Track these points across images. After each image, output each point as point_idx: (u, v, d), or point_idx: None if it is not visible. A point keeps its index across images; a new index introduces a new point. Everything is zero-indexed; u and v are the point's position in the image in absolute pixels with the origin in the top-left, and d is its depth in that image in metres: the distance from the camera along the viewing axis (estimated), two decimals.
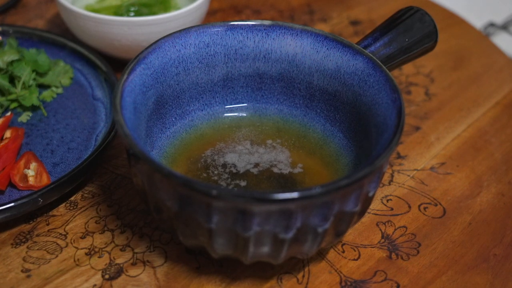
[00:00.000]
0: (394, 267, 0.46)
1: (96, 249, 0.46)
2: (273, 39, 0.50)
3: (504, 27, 0.92)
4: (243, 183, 0.46)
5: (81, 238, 0.47)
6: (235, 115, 0.53)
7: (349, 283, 0.45)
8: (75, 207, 0.50)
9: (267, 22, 0.50)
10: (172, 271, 0.45)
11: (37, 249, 0.46)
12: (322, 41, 0.49)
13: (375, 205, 0.51)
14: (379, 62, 0.47)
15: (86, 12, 0.60)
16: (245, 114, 0.53)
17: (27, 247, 0.46)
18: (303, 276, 0.45)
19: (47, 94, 0.59)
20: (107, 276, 0.44)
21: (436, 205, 0.52)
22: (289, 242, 0.40)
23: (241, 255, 0.41)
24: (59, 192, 0.48)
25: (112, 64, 0.61)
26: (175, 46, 0.48)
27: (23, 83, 0.58)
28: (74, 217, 0.49)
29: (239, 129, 0.51)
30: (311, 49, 0.50)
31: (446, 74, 0.69)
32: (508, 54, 0.73)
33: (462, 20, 0.79)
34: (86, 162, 0.50)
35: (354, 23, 0.77)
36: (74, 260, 0.45)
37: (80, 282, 0.44)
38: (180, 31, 0.49)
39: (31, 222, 0.48)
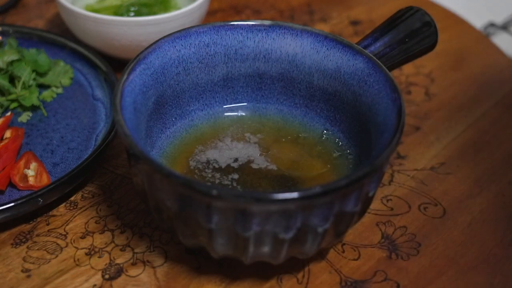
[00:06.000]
0: (394, 267, 0.46)
1: (96, 249, 0.46)
2: (273, 39, 0.50)
3: (504, 27, 0.92)
4: (241, 180, 0.46)
5: (81, 238, 0.47)
6: (235, 115, 0.53)
7: (349, 283, 0.45)
8: (75, 207, 0.50)
9: (267, 22, 0.50)
10: (172, 271, 0.45)
11: (37, 249, 0.46)
12: (322, 41, 0.49)
13: (375, 205, 0.51)
14: (379, 62, 0.47)
15: (86, 12, 0.60)
16: (245, 114, 0.53)
17: (27, 247, 0.46)
18: (303, 276, 0.45)
19: (47, 94, 0.59)
20: (107, 276, 0.44)
21: (436, 205, 0.52)
22: (289, 242, 0.40)
23: (241, 255, 0.41)
24: (59, 192, 0.48)
25: (112, 64, 0.61)
26: (175, 46, 0.48)
27: (23, 83, 0.58)
28: (74, 217, 0.49)
29: (239, 129, 0.51)
30: (311, 49, 0.50)
31: (446, 74, 0.69)
32: (508, 54, 0.73)
33: (462, 20, 0.79)
34: (86, 162, 0.50)
35: (354, 23, 0.77)
36: (74, 260, 0.45)
37: (80, 282, 0.44)
38: (180, 31, 0.49)
39: (31, 222, 0.48)
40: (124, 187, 0.52)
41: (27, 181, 0.49)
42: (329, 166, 0.48)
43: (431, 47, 0.52)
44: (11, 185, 0.50)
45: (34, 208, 0.47)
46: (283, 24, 0.50)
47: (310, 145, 0.50)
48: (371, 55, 0.47)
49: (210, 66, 0.50)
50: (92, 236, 0.47)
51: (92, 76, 0.61)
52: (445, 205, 0.52)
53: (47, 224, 0.48)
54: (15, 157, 0.52)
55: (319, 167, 0.48)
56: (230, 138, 0.50)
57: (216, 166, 0.47)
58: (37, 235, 0.47)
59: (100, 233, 0.48)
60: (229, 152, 0.49)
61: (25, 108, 0.58)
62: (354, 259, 0.47)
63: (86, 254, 0.46)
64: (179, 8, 0.67)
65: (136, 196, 0.51)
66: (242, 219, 0.38)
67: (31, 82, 0.58)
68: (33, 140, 0.55)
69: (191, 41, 0.49)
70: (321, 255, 0.47)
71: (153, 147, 0.48)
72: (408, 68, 0.69)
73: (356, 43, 0.50)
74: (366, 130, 0.46)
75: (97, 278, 0.44)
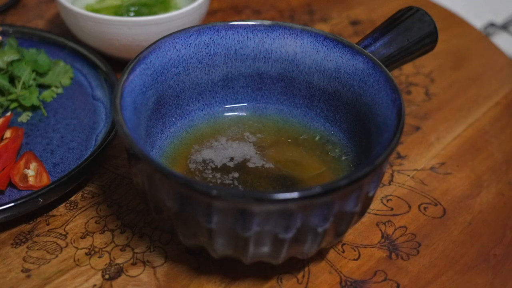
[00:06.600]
0: (394, 267, 0.46)
1: (96, 249, 0.46)
2: (273, 39, 0.50)
3: (504, 27, 0.92)
4: (240, 179, 0.46)
5: (81, 238, 0.47)
6: (235, 115, 0.53)
7: (349, 283, 0.45)
8: (75, 207, 0.50)
9: (267, 22, 0.50)
10: (172, 271, 0.45)
11: (37, 249, 0.46)
12: (322, 41, 0.49)
13: (375, 205, 0.51)
14: (379, 62, 0.47)
15: (86, 12, 0.60)
16: (245, 114, 0.53)
17: (27, 247, 0.46)
18: (303, 276, 0.45)
19: (47, 94, 0.59)
20: (107, 276, 0.44)
21: (436, 205, 0.52)
22: (289, 242, 0.40)
23: (241, 255, 0.41)
24: (59, 192, 0.48)
25: (112, 64, 0.61)
26: (175, 46, 0.48)
27: (23, 83, 0.58)
28: (74, 217, 0.49)
29: (239, 129, 0.51)
30: (311, 49, 0.50)
31: (446, 74, 0.69)
32: (508, 54, 0.73)
33: (462, 20, 0.79)
34: (86, 162, 0.50)
35: (354, 23, 0.77)
36: (74, 260, 0.45)
37: (80, 282, 0.44)
38: (180, 31, 0.49)
39: (31, 222, 0.48)
40: (124, 187, 0.52)
41: (27, 181, 0.49)
42: (329, 166, 0.48)
43: (431, 47, 0.52)
44: (11, 185, 0.50)
45: (34, 208, 0.47)
46: (283, 24, 0.50)
47: (310, 145, 0.50)
48: (371, 55, 0.47)
49: (210, 66, 0.50)
50: (92, 236, 0.47)
51: (92, 76, 0.61)
52: (445, 205, 0.52)
53: (47, 224, 0.48)
54: (15, 157, 0.52)
55: (319, 167, 0.48)
56: (230, 138, 0.50)
57: (216, 165, 0.47)
58: (37, 235, 0.47)
59: (100, 233, 0.48)
60: (228, 151, 0.49)
61: (25, 108, 0.58)
62: (354, 259, 0.47)
63: (86, 254, 0.46)
64: (179, 8, 0.67)
65: (136, 196, 0.51)
66: (242, 219, 0.38)
67: (31, 82, 0.58)
68: (33, 140, 0.55)
69: (191, 41, 0.49)
70: (321, 255, 0.47)
71: (153, 147, 0.48)
72: (408, 68, 0.69)
73: (356, 43, 0.50)
74: (366, 130, 0.46)
75: (97, 278, 0.44)
